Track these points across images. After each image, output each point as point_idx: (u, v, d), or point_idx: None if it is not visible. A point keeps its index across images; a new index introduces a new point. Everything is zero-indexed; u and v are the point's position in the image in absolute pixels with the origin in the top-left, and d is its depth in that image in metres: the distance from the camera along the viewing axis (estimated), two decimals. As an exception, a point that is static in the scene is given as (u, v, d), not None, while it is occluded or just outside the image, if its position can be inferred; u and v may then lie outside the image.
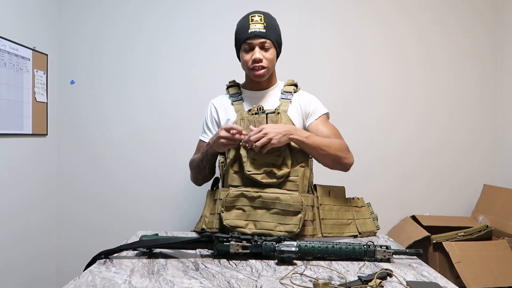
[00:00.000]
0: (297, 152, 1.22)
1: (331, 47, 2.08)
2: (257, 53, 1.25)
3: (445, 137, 2.10)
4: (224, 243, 1.00)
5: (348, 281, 0.84)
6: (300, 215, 1.12)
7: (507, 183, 2.01)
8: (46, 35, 1.98)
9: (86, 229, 2.06)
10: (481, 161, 2.12)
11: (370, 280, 0.83)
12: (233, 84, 1.41)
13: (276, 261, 0.99)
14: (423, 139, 2.10)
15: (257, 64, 1.26)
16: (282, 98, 1.34)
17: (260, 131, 1.15)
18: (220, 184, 1.34)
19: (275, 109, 1.29)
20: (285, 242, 0.99)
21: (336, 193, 1.26)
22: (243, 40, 1.26)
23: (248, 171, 1.17)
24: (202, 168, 1.32)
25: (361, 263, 0.99)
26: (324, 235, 1.18)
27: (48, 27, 2.00)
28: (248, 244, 1.00)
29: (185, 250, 1.07)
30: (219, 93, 1.45)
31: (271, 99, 1.35)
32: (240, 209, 1.15)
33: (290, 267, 0.95)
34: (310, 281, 0.85)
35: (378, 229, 1.28)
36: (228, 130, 1.17)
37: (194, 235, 1.22)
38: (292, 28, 1.97)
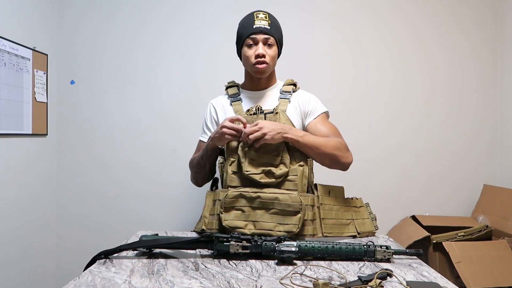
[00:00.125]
0: (295, 151, 1.22)
1: (330, 47, 2.08)
2: (261, 48, 1.26)
3: (445, 137, 2.11)
4: (224, 243, 1.00)
5: (348, 281, 0.84)
6: (299, 215, 1.12)
7: (507, 183, 2.01)
8: (46, 35, 1.98)
9: (86, 230, 2.06)
10: (481, 161, 2.12)
11: (370, 280, 0.83)
12: (232, 85, 1.41)
13: (276, 261, 0.99)
14: (423, 139, 2.10)
15: (260, 59, 1.26)
16: (281, 98, 1.34)
17: (256, 125, 1.15)
18: (219, 185, 1.34)
19: (274, 109, 1.29)
20: (285, 242, 0.99)
21: (335, 193, 1.25)
22: (248, 35, 1.27)
23: (247, 171, 1.17)
24: (202, 165, 1.32)
25: (361, 263, 0.99)
26: (324, 235, 1.18)
27: (48, 27, 2.00)
28: (248, 244, 1.00)
29: (185, 250, 1.07)
30: (219, 93, 1.45)
31: (270, 99, 1.35)
32: (239, 210, 1.15)
33: (290, 267, 0.94)
34: (310, 281, 0.85)
35: (376, 229, 1.28)
36: (232, 121, 1.18)
37: (194, 235, 1.22)
38: (292, 28, 1.95)
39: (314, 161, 1.29)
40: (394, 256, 1.04)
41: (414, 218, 2.01)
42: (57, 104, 2.07)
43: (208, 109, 1.41)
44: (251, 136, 1.14)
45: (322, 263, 0.98)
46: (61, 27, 2.07)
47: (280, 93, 1.35)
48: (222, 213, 1.14)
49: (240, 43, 1.31)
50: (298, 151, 1.22)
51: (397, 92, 2.10)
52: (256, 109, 1.28)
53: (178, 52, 2.07)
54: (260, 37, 1.26)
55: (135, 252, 1.05)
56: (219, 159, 1.32)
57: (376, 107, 2.09)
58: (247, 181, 1.19)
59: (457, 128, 2.11)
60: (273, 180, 1.17)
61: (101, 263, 0.96)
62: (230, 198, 1.15)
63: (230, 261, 0.99)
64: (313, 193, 1.23)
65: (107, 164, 2.07)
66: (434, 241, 1.75)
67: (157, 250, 1.06)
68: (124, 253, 1.04)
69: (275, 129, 1.16)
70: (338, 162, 1.25)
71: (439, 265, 1.72)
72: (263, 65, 1.27)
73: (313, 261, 0.99)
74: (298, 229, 1.11)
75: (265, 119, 1.25)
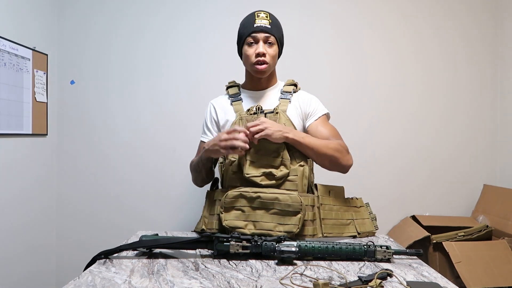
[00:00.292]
0: (295, 152, 1.22)
1: (330, 48, 2.08)
2: (261, 47, 1.26)
3: (445, 137, 2.11)
4: (224, 243, 1.00)
5: (348, 281, 0.84)
6: (299, 215, 1.12)
7: (507, 183, 2.01)
8: (46, 35, 1.98)
9: (86, 229, 2.06)
10: (481, 161, 2.12)
11: (370, 280, 0.83)
12: (233, 85, 1.41)
13: (276, 261, 0.99)
14: (423, 139, 2.10)
15: (260, 58, 1.26)
16: (281, 98, 1.33)
17: (259, 121, 1.17)
18: (219, 185, 1.34)
19: (274, 108, 1.29)
20: (285, 242, 0.99)
21: (336, 193, 1.25)
22: (248, 33, 1.27)
23: (247, 174, 1.17)
24: (199, 171, 1.33)
25: (361, 263, 0.99)
26: (325, 235, 1.18)
27: (48, 27, 2.00)
28: (248, 244, 1.00)
29: (185, 250, 1.07)
30: (222, 93, 1.45)
31: (270, 99, 1.35)
32: (239, 210, 1.15)
33: (290, 267, 0.94)
34: (310, 281, 0.85)
35: (376, 229, 1.28)
36: (229, 133, 1.15)
37: (194, 235, 1.22)
38: (292, 29, 1.96)
39: (313, 162, 1.29)
40: (394, 256, 1.04)
41: (414, 218, 2.01)
42: (57, 104, 2.07)
43: (209, 109, 1.41)
44: (252, 129, 1.14)
45: (322, 263, 0.98)
46: (61, 27, 2.07)
47: (281, 93, 1.35)
48: (222, 213, 1.14)
49: (241, 42, 1.31)
50: (298, 151, 1.22)
51: (397, 92, 2.10)
52: (256, 108, 1.28)
53: (179, 52, 2.07)
54: (261, 35, 1.26)
55: (135, 252, 1.05)
56: (220, 159, 1.32)
57: (376, 107, 2.09)
58: (247, 181, 1.19)
59: (457, 128, 2.11)
60: (274, 182, 1.17)
61: (101, 263, 0.96)
62: (230, 198, 1.15)
63: (230, 261, 0.99)
64: (313, 193, 1.23)
65: (107, 164, 2.07)
66: (434, 241, 1.75)
67: (157, 250, 1.06)
68: (124, 253, 1.04)
69: (277, 128, 1.16)
70: (338, 164, 1.25)
71: (439, 265, 1.72)
72: (263, 66, 1.27)
73: (313, 261, 0.99)
74: (298, 230, 1.11)
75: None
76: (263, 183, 1.17)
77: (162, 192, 2.06)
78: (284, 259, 0.98)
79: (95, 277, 0.86)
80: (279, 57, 1.35)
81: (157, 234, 1.11)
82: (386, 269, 0.89)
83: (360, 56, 2.09)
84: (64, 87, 2.08)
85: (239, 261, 0.99)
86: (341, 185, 1.28)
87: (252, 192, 1.14)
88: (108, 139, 2.07)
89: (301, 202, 1.12)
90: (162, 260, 0.99)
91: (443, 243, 1.70)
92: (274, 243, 0.99)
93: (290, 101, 1.33)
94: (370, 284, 0.82)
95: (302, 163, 1.21)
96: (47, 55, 1.97)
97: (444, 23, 2.10)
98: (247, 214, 1.14)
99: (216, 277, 0.88)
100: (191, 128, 1.99)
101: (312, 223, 1.17)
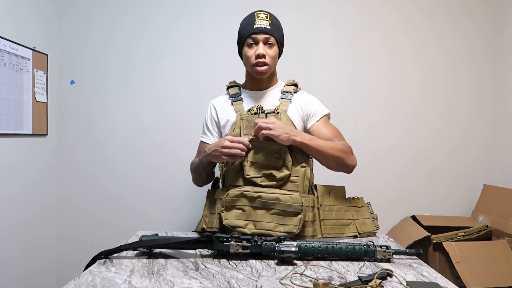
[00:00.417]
0: (297, 153, 1.22)
1: (330, 48, 2.08)
2: (261, 48, 1.25)
3: (445, 137, 2.11)
4: (224, 243, 1.00)
5: (348, 281, 0.84)
6: (300, 216, 1.12)
7: (507, 183, 2.01)
8: (46, 35, 1.98)
9: (85, 229, 2.06)
10: (481, 161, 2.12)
11: (370, 280, 0.83)
12: (233, 85, 1.41)
13: (276, 261, 0.99)
14: (423, 138, 2.10)
15: (260, 60, 1.26)
16: (282, 98, 1.33)
17: (269, 120, 1.17)
18: (220, 184, 1.34)
19: (275, 109, 1.29)
20: (285, 242, 0.99)
21: (336, 193, 1.25)
22: (248, 34, 1.26)
23: (248, 175, 1.17)
24: (199, 173, 1.33)
25: (361, 263, 0.99)
26: (324, 236, 1.18)
27: (48, 27, 2.00)
28: (248, 244, 1.00)
29: (185, 250, 1.07)
30: (222, 93, 1.45)
31: (271, 99, 1.35)
32: (240, 209, 1.15)
33: (290, 267, 0.95)
34: (310, 281, 0.85)
35: (377, 229, 1.28)
36: (233, 141, 1.16)
37: (194, 235, 1.22)
38: (292, 29, 1.96)
39: (314, 162, 1.29)
40: (394, 256, 1.04)
41: (414, 218, 2.01)
42: (57, 104, 2.07)
43: (209, 109, 1.41)
44: (260, 124, 1.15)
45: (322, 263, 0.98)
46: (61, 27, 2.07)
47: (281, 93, 1.35)
48: (222, 212, 1.14)
49: (241, 43, 1.31)
50: (300, 152, 1.22)
51: (397, 92, 2.10)
52: (257, 108, 1.28)
53: (179, 52, 2.07)
54: (261, 37, 1.26)
55: (135, 252, 1.05)
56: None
57: (376, 107, 2.09)
58: (248, 181, 1.19)
59: (457, 127, 2.11)
60: (274, 183, 1.18)
61: (101, 263, 0.96)
62: (231, 197, 1.15)
63: (230, 261, 0.99)
64: (313, 194, 1.23)
65: (107, 164, 2.07)
66: (434, 241, 1.75)
67: (157, 250, 1.06)
68: (124, 253, 1.04)
69: (285, 130, 1.17)
70: (344, 165, 1.25)
71: (439, 265, 1.72)
72: (263, 68, 1.27)
73: (313, 261, 0.99)
74: (298, 230, 1.11)
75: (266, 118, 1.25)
76: (263, 184, 1.17)
77: (162, 192, 2.06)
78: (284, 259, 0.98)
79: (95, 277, 0.86)
80: (279, 57, 1.35)
81: (157, 234, 1.12)
82: (386, 269, 0.89)
83: (360, 56, 2.09)
84: (64, 87, 2.08)
85: (239, 261, 0.99)
86: (341, 185, 1.28)
87: (253, 192, 1.15)
88: (108, 139, 2.07)
89: (302, 203, 1.12)
90: (162, 260, 0.99)
91: (443, 243, 1.70)
92: (274, 243, 0.99)
93: (290, 101, 1.33)
94: (370, 284, 0.82)
95: (304, 164, 1.22)
96: (47, 55, 1.97)
97: (444, 23, 2.11)
98: (248, 214, 1.14)
99: (216, 277, 0.88)
100: (191, 128, 1.99)
101: (312, 224, 1.17)
